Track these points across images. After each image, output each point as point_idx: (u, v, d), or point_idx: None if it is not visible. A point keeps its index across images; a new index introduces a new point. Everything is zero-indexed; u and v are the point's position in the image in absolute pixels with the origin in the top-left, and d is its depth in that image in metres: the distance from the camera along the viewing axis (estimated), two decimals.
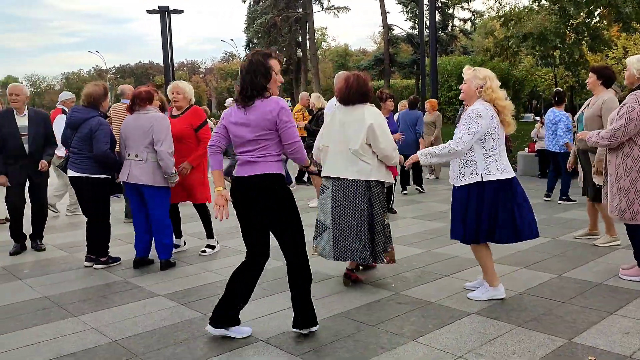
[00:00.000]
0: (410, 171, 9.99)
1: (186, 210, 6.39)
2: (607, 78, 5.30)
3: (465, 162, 3.97)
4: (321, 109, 8.60)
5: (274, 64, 3.38)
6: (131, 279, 4.92)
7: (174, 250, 5.55)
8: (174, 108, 5.63)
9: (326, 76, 49.44)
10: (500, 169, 3.92)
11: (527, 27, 16.04)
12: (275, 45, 36.28)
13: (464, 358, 3.16)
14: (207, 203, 5.74)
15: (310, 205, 8.38)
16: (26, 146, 5.85)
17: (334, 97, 5.95)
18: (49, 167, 6.11)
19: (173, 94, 5.56)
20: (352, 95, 4.35)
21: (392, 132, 5.00)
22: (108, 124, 5.39)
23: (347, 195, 4.31)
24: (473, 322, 3.67)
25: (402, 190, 9.47)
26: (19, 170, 5.86)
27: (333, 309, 3.99)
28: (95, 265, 5.34)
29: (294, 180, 10.89)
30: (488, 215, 3.92)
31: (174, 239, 5.57)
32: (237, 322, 3.52)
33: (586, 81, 5.55)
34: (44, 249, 6.12)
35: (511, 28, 17.38)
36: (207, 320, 3.58)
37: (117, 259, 5.46)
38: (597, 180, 4.90)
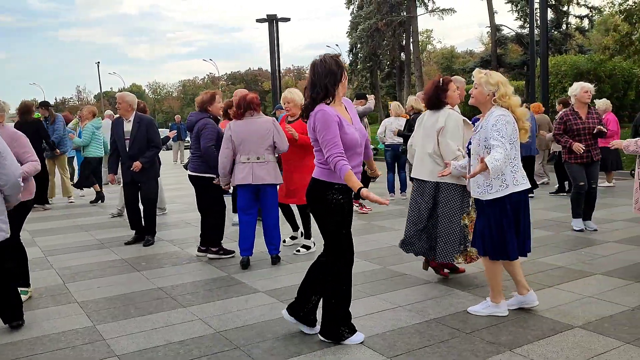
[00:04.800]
0: None
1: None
2: None
3: None
4: (417, 112, 8.29)
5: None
6: (235, 274, 5.21)
7: (289, 243, 6.28)
8: (288, 116, 5.95)
9: (430, 79, 48.57)
10: (524, 179, 3.79)
11: None
12: (379, 49, 36.22)
13: None
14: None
15: None
16: (127, 149, 6.43)
17: None
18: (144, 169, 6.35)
19: (285, 103, 5.86)
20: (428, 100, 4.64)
21: None
22: (215, 125, 5.78)
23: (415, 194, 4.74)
24: (577, 336, 3.49)
25: None
26: (126, 170, 6.52)
27: (427, 314, 3.97)
28: (208, 255, 5.79)
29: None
30: (522, 227, 3.82)
31: (292, 232, 6.39)
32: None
33: None
34: (151, 244, 6.56)
35: (635, 23, 16.11)
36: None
37: (230, 252, 5.84)
38: None
